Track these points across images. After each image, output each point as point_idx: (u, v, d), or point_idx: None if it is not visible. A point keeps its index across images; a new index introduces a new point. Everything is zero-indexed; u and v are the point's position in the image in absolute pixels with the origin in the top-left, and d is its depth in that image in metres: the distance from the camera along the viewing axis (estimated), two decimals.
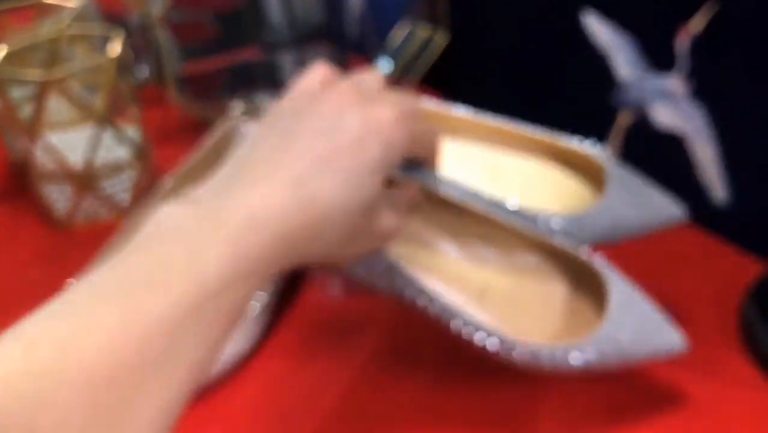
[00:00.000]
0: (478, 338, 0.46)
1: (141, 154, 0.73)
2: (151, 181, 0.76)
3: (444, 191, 0.49)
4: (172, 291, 0.27)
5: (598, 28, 0.72)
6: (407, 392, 0.52)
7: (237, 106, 0.97)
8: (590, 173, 0.56)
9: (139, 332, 0.26)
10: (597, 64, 0.74)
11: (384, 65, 0.99)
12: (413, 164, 0.46)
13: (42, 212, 0.76)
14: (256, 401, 0.52)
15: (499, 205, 0.51)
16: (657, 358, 0.48)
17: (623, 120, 0.74)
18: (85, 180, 0.70)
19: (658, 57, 0.68)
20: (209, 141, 0.66)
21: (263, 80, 1.03)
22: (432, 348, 0.55)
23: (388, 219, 0.41)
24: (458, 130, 0.57)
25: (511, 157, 0.57)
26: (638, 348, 0.47)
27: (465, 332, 0.46)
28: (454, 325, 0.47)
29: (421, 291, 0.47)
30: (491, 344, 0.46)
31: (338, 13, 1.14)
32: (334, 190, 0.35)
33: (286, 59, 1.08)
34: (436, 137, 0.45)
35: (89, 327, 0.25)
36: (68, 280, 0.57)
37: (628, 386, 0.51)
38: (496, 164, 0.57)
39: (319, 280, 0.62)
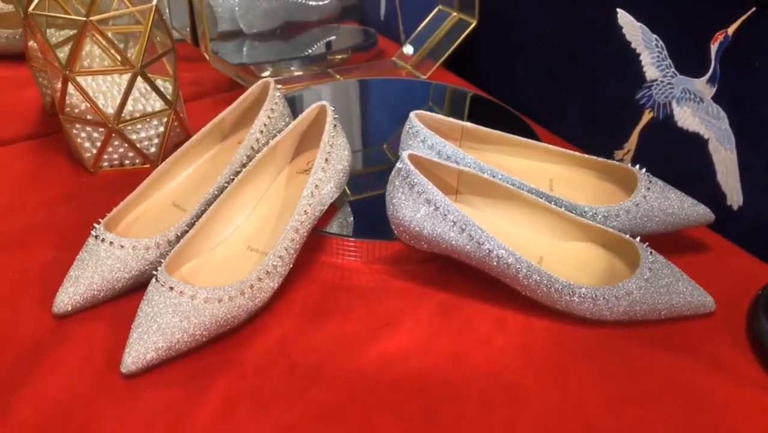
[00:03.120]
0: (544, 281, 0.56)
1: (172, 107, 0.74)
2: (179, 134, 0.78)
3: (514, 187, 0.62)
4: None
5: (631, 28, 0.74)
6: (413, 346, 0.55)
7: (265, 70, 0.99)
8: (625, 181, 0.65)
9: None
10: (625, 62, 0.75)
11: (408, 46, 1.01)
12: None
13: (71, 155, 0.77)
14: (271, 355, 0.54)
15: (553, 200, 0.63)
16: (685, 310, 0.57)
17: (646, 118, 0.75)
18: (115, 126, 0.71)
19: (687, 60, 0.70)
20: (241, 99, 0.67)
21: (292, 50, 1.05)
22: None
23: None
24: (523, 151, 0.69)
25: (562, 171, 0.69)
26: (669, 295, 0.57)
27: (535, 278, 0.56)
28: (528, 273, 0.56)
29: (500, 244, 0.56)
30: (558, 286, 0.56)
31: None
32: None
33: (314, 34, 1.11)
34: None
35: None
36: (95, 223, 0.59)
37: (634, 373, 0.54)
38: (551, 176, 0.68)
39: (338, 245, 0.64)
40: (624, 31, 0.75)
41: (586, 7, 0.79)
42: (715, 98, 0.67)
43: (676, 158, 0.74)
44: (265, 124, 0.66)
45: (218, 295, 0.54)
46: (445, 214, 0.56)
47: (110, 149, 0.74)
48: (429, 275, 0.62)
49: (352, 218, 0.67)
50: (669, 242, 0.65)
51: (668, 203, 0.62)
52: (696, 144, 0.71)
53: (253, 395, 0.51)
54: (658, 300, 0.56)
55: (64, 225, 0.66)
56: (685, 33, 0.69)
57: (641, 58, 0.74)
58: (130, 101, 0.74)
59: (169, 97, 0.74)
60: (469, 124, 0.67)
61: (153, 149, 0.76)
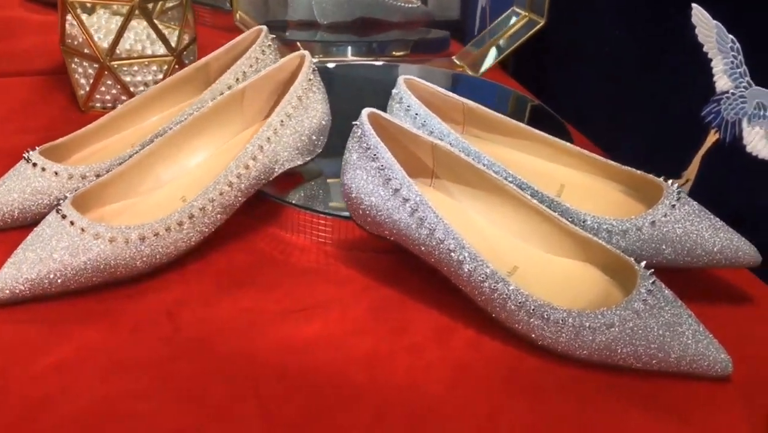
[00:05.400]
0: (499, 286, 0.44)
1: (174, 54, 0.69)
2: None
3: (500, 178, 0.50)
4: None
5: (705, 27, 0.60)
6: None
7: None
8: (654, 199, 0.51)
9: None
10: (694, 74, 0.62)
11: (473, 45, 0.92)
12: None
13: (72, 91, 0.74)
14: (156, 316, 0.46)
15: (550, 203, 0.50)
16: (689, 365, 0.43)
17: (711, 140, 0.61)
18: (107, 62, 0.67)
19: (766, 68, 0.56)
20: (231, 45, 0.61)
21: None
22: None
23: None
24: (536, 148, 0.57)
25: (579, 178, 0.56)
26: (665, 339, 0.43)
27: (488, 284, 0.44)
28: (477, 273, 0.44)
29: (453, 234, 0.45)
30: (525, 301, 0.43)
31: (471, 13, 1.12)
32: None
33: (393, 35, 1.05)
34: None
35: None
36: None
37: (590, 428, 0.41)
38: (564, 181, 0.56)
39: (290, 217, 0.55)
40: (697, 31, 0.61)
41: (660, 6, 0.67)
42: None
43: (739, 192, 0.59)
44: (244, 72, 0.58)
45: (112, 234, 0.46)
46: (397, 189, 0.46)
47: (103, 89, 0.69)
48: (383, 266, 0.52)
49: (323, 193, 0.58)
50: (695, 282, 0.51)
51: (695, 228, 0.48)
52: (766, 174, 0.56)
53: (114, 353, 0.43)
54: (650, 343, 0.42)
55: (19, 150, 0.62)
56: (766, 31, 0.55)
57: (713, 64, 0.60)
58: (132, 41, 0.69)
59: (173, 46, 0.69)
60: (472, 103, 0.56)
61: None
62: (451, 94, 0.56)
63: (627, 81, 0.73)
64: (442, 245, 0.45)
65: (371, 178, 0.47)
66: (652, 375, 0.43)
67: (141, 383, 0.41)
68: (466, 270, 0.44)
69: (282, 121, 0.53)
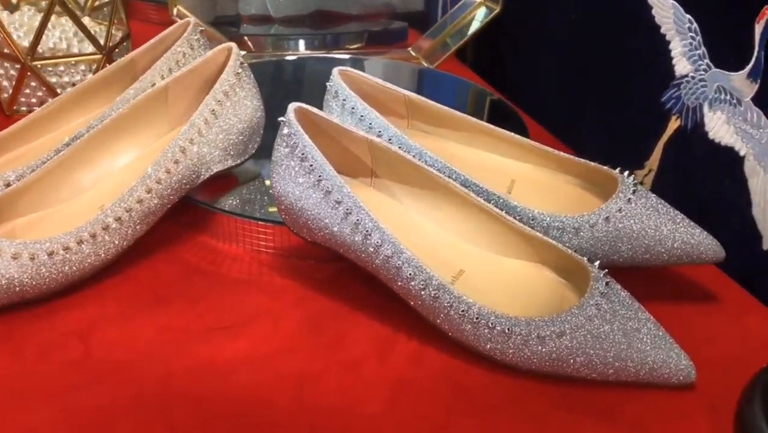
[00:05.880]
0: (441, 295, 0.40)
1: (103, 53, 0.65)
2: None
3: (443, 176, 0.46)
4: None
5: (662, 8, 0.57)
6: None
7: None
8: (609, 192, 0.47)
9: None
10: (654, 60, 0.59)
11: (429, 35, 0.88)
12: None
13: None
14: (64, 339, 0.42)
15: (497, 201, 0.46)
16: (648, 375, 0.39)
17: (673, 127, 0.58)
18: (28, 62, 0.62)
19: (725, 47, 0.52)
20: (158, 39, 0.56)
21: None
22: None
23: None
24: (484, 141, 0.53)
25: (531, 172, 0.52)
26: (621, 346, 0.39)
27: (429, 292, 0.40)
28: (419, 281, 0.40)
29: (390, 239, 0.41)
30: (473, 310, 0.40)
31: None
32: None
33: (351, 28, 1.01)
34: None
35: None
36: None
37: None
38: (515, 176, 0.52)
39: (221, 224, 0.50)
40: (654, 12, 0.58)
41: None
42: (757, 100, 0.49)
43: (705, 182, 0.55)
44: (170, 69, 0.54)
45: (16, 250, 0.42)
46: (329, 191, 0.42)
47: (28, 91, 0.65)
48: (323, 276, 0.48)
49: (260, 197, 0.54)
50: (656, 280, 0.48)
51: (653, 223, 0.44)
52: (729, 162, 0.52)
53: (13, 382, 0.38)
54: (605, 352, 0.39)
55: None
56: (724, 10, 0.51)
57: (671, 46, 0.56)
58: (57, 39, 0.65)
59: (102, 43, 0.64)
60: (414, 95, 0.52)
61: None
62: (390, 85, 0.52)
63: (585, 68, 0.69)
64: (378, 251, 0.41)
65: (301, 179, 0.43)
66: (609, 386, 0.40)
67: (43, 415, 0.37)
68: (405, 277, 0.40)
69: (207, 119, 0.48)
